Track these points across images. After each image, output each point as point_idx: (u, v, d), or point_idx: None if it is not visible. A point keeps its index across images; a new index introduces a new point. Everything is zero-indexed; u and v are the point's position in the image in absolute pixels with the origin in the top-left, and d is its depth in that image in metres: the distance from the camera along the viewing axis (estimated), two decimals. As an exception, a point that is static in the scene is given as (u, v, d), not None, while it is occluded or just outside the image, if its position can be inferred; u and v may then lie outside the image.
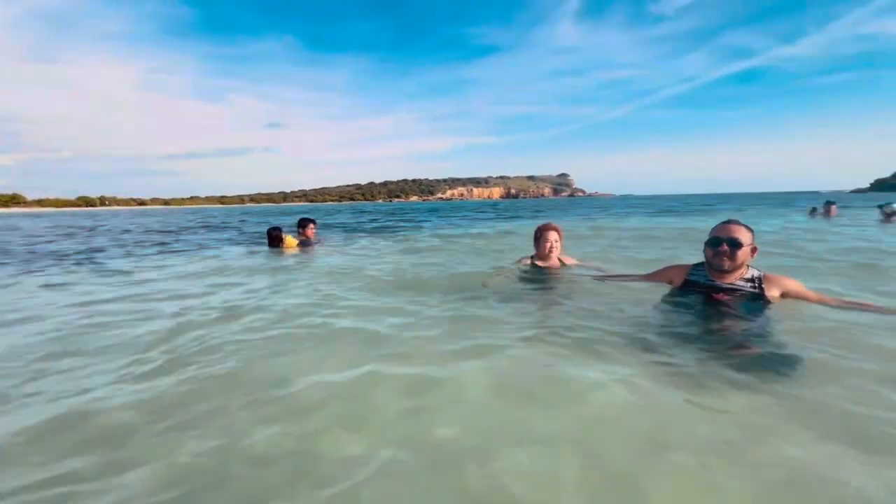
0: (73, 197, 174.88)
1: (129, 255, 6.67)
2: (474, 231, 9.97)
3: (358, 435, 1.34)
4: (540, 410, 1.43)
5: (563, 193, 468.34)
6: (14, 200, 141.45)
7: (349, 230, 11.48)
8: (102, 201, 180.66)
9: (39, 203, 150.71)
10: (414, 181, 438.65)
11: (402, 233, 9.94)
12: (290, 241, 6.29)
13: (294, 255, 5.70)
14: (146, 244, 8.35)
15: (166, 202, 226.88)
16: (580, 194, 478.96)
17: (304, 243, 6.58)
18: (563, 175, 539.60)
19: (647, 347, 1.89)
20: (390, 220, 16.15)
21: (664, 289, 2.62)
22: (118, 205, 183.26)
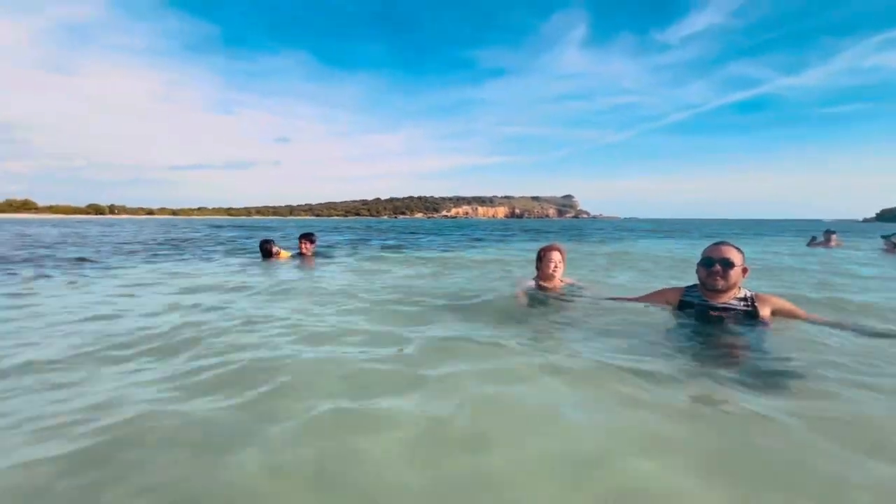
0: (83, 205, 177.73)
1: (127, 260, 6.67)
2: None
3: (371, 434, 1.36)
4: (545, 420, 1.44)
5: (568, 215, 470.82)
6: (25, 206, 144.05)
7: (350, 244, 11.48)
8: (112, 209, 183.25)
9: (51, 209, 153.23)
10: (419, 198, 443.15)
11: (404, 250, 9.81)
12: (283, 253, 6.34)
13: (287, 266, 5.68)
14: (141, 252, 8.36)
15: (174, 212, 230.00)
16: (585, 216, 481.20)
17: (299, 256, 6.56)
18: (568, 196, 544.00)
19: (650, 365, 1.87)
20: (393, 237, 16.17)
21: (661, 310, 2.67)
22: (127, 213, 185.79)
